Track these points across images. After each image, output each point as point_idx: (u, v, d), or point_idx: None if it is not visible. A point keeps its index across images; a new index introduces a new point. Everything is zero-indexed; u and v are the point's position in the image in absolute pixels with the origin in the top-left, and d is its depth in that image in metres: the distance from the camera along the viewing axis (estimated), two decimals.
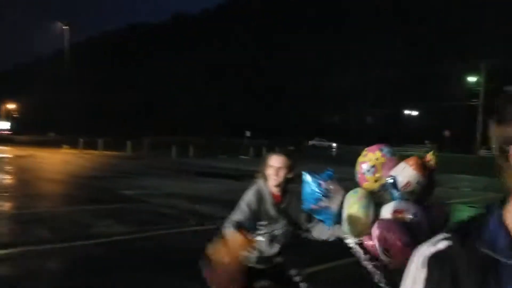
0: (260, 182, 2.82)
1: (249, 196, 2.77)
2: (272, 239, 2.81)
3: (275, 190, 2.81)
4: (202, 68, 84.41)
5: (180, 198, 9.74)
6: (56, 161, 22.36)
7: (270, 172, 2.77)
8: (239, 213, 2.68)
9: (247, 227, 2.57)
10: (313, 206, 2.66)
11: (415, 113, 60.60)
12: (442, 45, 65.87)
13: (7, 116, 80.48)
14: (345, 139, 60.50)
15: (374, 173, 2.56)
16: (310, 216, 2.87)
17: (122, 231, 6.09)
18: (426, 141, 49.40)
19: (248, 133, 42.99)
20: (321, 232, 2.85)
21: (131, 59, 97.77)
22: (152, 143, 39.99)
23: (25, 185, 11.74)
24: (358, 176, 2.65)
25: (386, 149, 2.62)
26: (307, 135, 65.62)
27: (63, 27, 41.31)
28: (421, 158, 2.63)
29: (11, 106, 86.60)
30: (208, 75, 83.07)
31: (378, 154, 2.60)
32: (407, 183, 2.43)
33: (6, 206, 8.23)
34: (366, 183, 2.58)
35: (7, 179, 13.65)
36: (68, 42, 41.01)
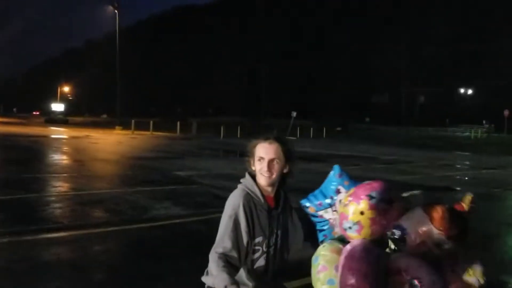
0: (247, 181, 2.11)
1: (233, 204, 2.02)
2: (268, 262, 2.07)
3: (268, 191, 2.10)
4: (249, 49, 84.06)
5: (232, 180, 9.62)
6: (110, 142, 23.05)
7: (259, 166, 2.07)
8: (225, 237, 1.95)
9: (239, 259, 1.94)
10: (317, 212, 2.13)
11: (470, 91, 57.69)
12: (496, 20, 61.92)
13: (62, 98, 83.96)
14: (395, 119, 58.80)
15: (358, 231, 1.86)
16: (311, 232, 2.18)
17: (179, 214, 6.10)
18: (484, 121, 47.04)
19: (294, 114, 42.51)
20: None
21: (179, 41, 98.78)
22: (200, 124, 40.54)
23: (82, 166, 12.10)
24: (340, 229, 1.96)
25: (379, 195, 1.83)
26: (355, 115, 64.28)
27: (114, 10, 42.10)
28: (451, 208, 1.83)
29: (65, 88, 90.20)
30: (254, 55, 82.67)
31: (364, 205, 1.84)
32: (421, 243, 1.76)
33: (65, 187, 8.49)
34: (351, 239, 1.92)
35: (64, 160, 14.17)
36: (117, 25, 41.78)
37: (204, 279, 1.95)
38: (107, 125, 46.20)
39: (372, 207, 1.82)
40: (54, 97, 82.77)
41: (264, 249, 2.05)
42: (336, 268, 1.79)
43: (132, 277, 3.83)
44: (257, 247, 2.03)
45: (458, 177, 12.72)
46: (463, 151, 25.08)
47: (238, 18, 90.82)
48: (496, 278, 4.05)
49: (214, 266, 1.87)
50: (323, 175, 2.21)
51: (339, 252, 1.87)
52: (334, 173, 2.14)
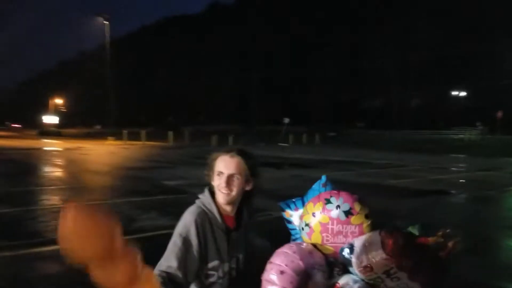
0: (204, 198, 1.93)
1: (185, 222, 1.85)
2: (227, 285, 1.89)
3: (227, 210, 1.91)
4: (238, 56, 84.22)
5: None
6: (102, 153, 22.87)
7: (218, 181, 1.88)
8: (171, 256, 1.78)
9: (181, 281, 1.74)
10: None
11: (463, 93, 57.93)
12: (488, 21, 62.48)
13: (55, 110, 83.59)
14: (387, 124, 59.00)
15: (309, 234, 1.77)
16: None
17: (165, 225, 5.97)
18: (478, 123, 47.21)
19: (286, 120, 42.58)
20: None
21: (170, 51, 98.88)
22: (192, 133, 40.43)
23: (72, 178, 11.97)
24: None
25: (337, 202, 1.73)
26: (348, 120, 64.43)
27: (104, 22, 42.07)
28: (409, 237, 1.63)
29: (58, 101, 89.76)
30: (245, 63, 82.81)
31: (318, 207, 1.77)
32: (367, 267, 1.60)
33: (54, 199, 8.34)
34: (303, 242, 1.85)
35: (55, 171, 14.00)
36: (108, 37, 41.77)
37: None
38: (100, 136, 45.96)
39: (325, 212, 1.74)
40: (46, 109, 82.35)
41: (220, 275, 1.87)
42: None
43: None
44: (211, 272, 1.85)
45: (452, 179, 12.67)
46: (457, 153, 25.10)
47: (227, 26, 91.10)
48: (492, 283, 3.95)
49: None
50: (314, 182, 2.12)
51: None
52: (320, 182, 2.03)
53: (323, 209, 1.74)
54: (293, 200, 2.04)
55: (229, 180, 1.86)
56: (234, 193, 1.86)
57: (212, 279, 1.85)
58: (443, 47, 60.87)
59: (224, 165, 1.88)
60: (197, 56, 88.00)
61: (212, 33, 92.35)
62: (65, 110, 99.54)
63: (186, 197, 8.47)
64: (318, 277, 1.65)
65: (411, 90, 65.54)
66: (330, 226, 1.72)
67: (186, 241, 1.81)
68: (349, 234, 1.71)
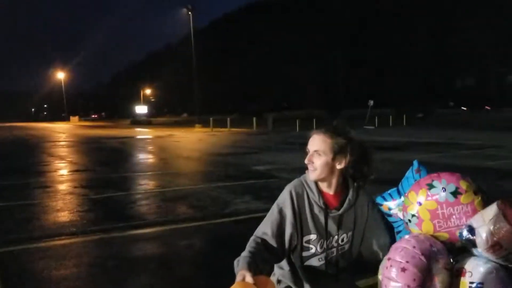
0: (307, 174, 1.92)
1: (284, 193, 1.90)
2: (325, 265, 1.89)
3: (324, 187, 1.88)
4: (321, 39, 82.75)
5: None
6: (191, 140, 23.82)
7: (306, 159, 1.88)
8: (267, 224, 1.86)
9: (275, 249, 1.80)
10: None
11: None
12: None
13: (145, 100, 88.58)
14: (483, 102, 54.83)
15: (419, 225, 1.68)
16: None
17: (259, 208, 6.06)
18: None
19: (371, 102, 41.05)
20: None
21: (252, 38, 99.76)
22: (276, 119, 40.63)
23: (165, 164, 12.61)
24: (404, 224, 1.82)
25: (441, 185, 1.63)
26: (439, 100, 60.83)
27: (188, 13, 43.44)
28: None
29: (148, 91, 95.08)
30: (328, 45, 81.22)
31: (422, 194, 1.67)
32: (495, 245, 1.46)
33: (151, 184, 8.83)
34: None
35: (150, 158, 14.84)
36: (192, 27, 43.08)
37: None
38: (188, 124, 47.94)
39: (431, 197, 1.64)
40: (138, 100, 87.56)
41: (319, 250, 1.88)
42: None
43: (215, 273, 3.83)
44: (308, 245, 1.87)
45: None
46: None
47: (307, 11, 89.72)
48: None
49: (242, 259, 1.71)
50: (404, 165, 2.03)
51: None
52: (412, 169, 1.92)
53: (428, 195, 1.64)
54: (388, 192, 1.97)
55: (312, 157, 1.85)
56: (318, 170, 1.83)
57: (308, 253, 1.87)
58: None
59: (310, 142, 1.88)
60: (280, 42, 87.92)
61: (293, 17, 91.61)
62: (154, 100, 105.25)
63: (276, 182, 8.56)
64: (441, 266, 1.55)
65: (508, 65, 60.16)
66: (440, 211, 1.62)
67: (281, 211, 1.86)
68: (462, 215, 1.59)
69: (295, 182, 1.91)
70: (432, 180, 1.67)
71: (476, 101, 55.78)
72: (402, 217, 1.84)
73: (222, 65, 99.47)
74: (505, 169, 9.57)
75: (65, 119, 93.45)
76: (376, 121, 37.06)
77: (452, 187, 1.62)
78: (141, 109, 78.47)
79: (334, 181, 1.86)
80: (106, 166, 12.02)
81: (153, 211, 6.33)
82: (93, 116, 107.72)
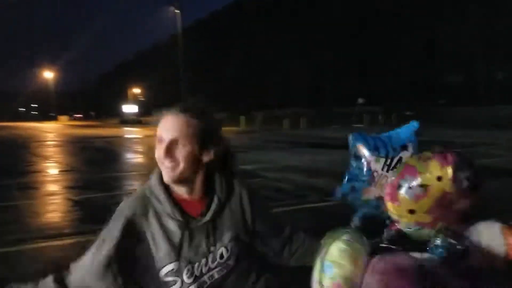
0: (151, 180, 1.43)
1: (113, 217, 1.39)
2: None
3: (181, 192, 1.38)
4: (308, 39, 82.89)
5: (296, 172, 9.52)
6: None
7: (158, 152, 1.35)
8: (87, 267, 1.35)
9: None
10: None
11: None
12: None
13: (134, 100, 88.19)
14: (472, 99, 55.39)
15: (418, 197, 1.31)
16: (287, 230, 1.53)
17: None
18: None
19: (360, 100, 41.11)
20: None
21: (240, 36, 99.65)
22: (264, 117, 40.64)
23: (152, 164, 12.47)
24: (386, 187, 1.42)
25: (469, 171, 1.30)
26: (428, 98, 61.27)
27: (175, 11, 43.27)
28: None
29: (136, 90, 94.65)
30: (316, 44, 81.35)
31: (448, 171, 1.28)
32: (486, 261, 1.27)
33: (137, 185, 8.74)
34: (395, 205, 1.35)
35: (136, 158, 14.72)
36: (180, 26, 42.95)
37: None
38: None
39: (455, 180, 1.28)
40: (126, 99, 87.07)
41: (186, 280, 1.33)
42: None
43: None
44: (170, 279, 1.32)
45: None
46: None
47: (298, 10, 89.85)
48: None
49: None
50: None
51: (358, 260, 1.27)
52: (414, 127, 1.67)
53: (453, 177, 1.27)
54: (374, 136, 1.63)
55: (170, 148, 1.31)
56: (182, 165, 1.31)
57: (176, 287, 1.32)
58: None
59: (164, 127, 1.33)
60: (267, 40, 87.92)
61: (281, 14, 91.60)
62: (143, 99, 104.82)
63: (261, 181, 8.51)
64: None
65: (496, 62, 60.80)
66: (450, 197, 1.29)
67: (115, 239, 1.32)
68: (459, 210, 1.32)
69: (132, 197, 1.40)
70: (461, 161, 1.33)
71: (463, 98, 56.29)
72: (374, 169, 1.55)
73: (211, 64, 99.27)
74: (494, 167, 9.66)
75: (53, 118, 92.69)
76: (365, 119, 37.22)
77: (476, 177, 1.32)
78: (130, 108, 78.02)
79: (198, 180, 1.37)
80: (92, 166, 11.89)
81: None
82: (76, 115, 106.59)
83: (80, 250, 4.18)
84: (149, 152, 16.23)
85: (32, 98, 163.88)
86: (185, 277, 1.33)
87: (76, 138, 27.05)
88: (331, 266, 1.25)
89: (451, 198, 1.29)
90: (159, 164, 1.35)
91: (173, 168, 1.31)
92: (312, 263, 1.33)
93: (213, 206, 1.38)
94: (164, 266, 1.32)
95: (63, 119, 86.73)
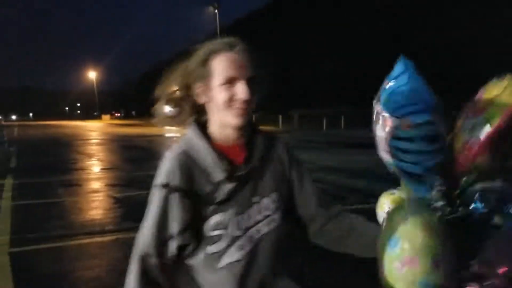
0: (189, 132, 1.31)
1: (163, 170, 1.24)
2: (254, 254, 1.25)
3: (230, 137, 1.28)
4: (347, 37, 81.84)
5: (336, 173, 9.37)
6: None
7: (228, 94, 1.20)
8: (150, 224, 1.22)
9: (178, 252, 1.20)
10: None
11: None
12: None
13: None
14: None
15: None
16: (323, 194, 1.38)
17: None
18: None
19: None
20: (366, 238, 1.25)
21: (278, 34, 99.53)
22: (302, 116, 40.33)
23: None
24: (462, 142, 1.05)
25: None
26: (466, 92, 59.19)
27: (214, 11, 43.67)
28: None
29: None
30: (355, 43, 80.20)
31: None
32: None
33: None
34: (478, 158, 1.02)
35: None
36: (218, 25, 43.31)
37: None
38: None
39: None
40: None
41: (236, 232, 1.23)
42: (435, 260, 0.95)
43: None
44: (217, 232, 1.21)
45: None
46: None
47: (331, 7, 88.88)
48: None
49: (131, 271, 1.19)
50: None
51: (428, 226, 0.99)
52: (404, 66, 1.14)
53: None
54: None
55: (249, 87, 1.21)
56: (253, 106, 1.25)
57: (220, 244, 1.22)
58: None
59: (234, 66, 1.21)
60: (305, 38, 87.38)
61: (315, 13, 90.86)
62: None
63: None
64: None
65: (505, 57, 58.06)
66: None
67: (167, 197, 1.20)
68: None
69: (173, 149, 1.27)
70: None
71: None
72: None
73: None
74: None
75: (97, 117, 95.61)
76: None
77: None
78: (168, 108, 79.38)
79: (248, 122, 1.27)
80: (133, 164, 12.14)
81: None
82: (116, 114, 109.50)
83: (121, 246, 4.26)
84: None
85: (77, 97, 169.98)
86: (232, 230, 1.23)
87: (118, 136, 27.78)
88: (399, 241, 1.00)
89: None
90: (226, 107, 1.21)
91: (247, 109, 1.23)
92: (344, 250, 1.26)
93: (257, 151, 1.30)
94: (210, 218, 1.21)
95: (106, 118, 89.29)
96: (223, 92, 1.20)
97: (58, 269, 3.97)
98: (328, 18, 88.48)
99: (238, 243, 1.23)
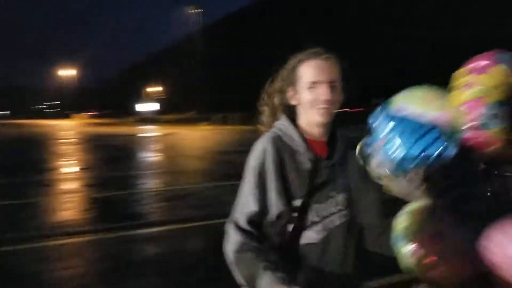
0: (280, 123, 1.45)
1: (258, 152, 1.38)
2: (328, 238, 1.38)
3: (315, 134, 1.42)
4: (331, 38, 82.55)
5: None
6: (196, 138, 23.70)
7: (312, 95, 1.37)
8: (249, 198, 1.34)
9: (272, 229, 1.34)
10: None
11: None
12: None
13: (152, 97, 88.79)
14: None
15: (501, 120, 1.00)
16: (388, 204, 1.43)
17: None
18: None
19: (376, 102, 40.93)
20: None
21: (258, 36, 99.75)
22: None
23: (169, 162, 12.46)
24: (463, 131, 1.05)
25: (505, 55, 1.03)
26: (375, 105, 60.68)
27: (196, 10, 43.42)
28: None
29: (155, 88, 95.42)
30: (339, 45, 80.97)
31: (500, 71, 1.01)
32: None
33: (153, 183, 8.69)
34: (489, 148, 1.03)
35: (153, 156, 14.69)
36: (200, 25, 43.10)
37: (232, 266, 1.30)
38: (194, 121, 47.85)
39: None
40: (143, 97, 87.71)
41: (316, 218, 1.36)
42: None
43: (213, 274, 3.64)
44: (301, 215, 1.35)
45: None
46: None
47: (317, 8, 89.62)
48: None
49: (238, 255, 1.27)
50: None
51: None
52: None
53: (505, 71, 1.01)
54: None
55: (327, 90, 1.36)
56: (335, 107, 1.40)
57: (302, 224, 1.35)
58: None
59: (318, 72, 1.37)
60: (283, 41, 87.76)
61: (300, 14, 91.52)
62: (162, 97, 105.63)
63: None
64: None
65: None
66: None
67: (262, 175, 1.34)
68: None
69: (267, 136, 1.41)
70: (495, 54, 1.05)
71: None
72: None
73: (229, 63, 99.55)
74: None
75: (68, 116, 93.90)
76: None
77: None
78: (146, 107, 78.41)
79: (330, 124, 1.43)
80: (109, 164, 11.88)
81: (152, 211, 6.16)
82: (91, 113, 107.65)
83: (98, 247, 4.11)
84: (167, 150, 16.22)
85: (50, 95, 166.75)
86: (311, 215, 1.36)
87: (94, 136, 27.28)
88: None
89: None
90: (311, 107, 1.39)
91: (330, 110, 1.38)
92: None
93: (339, 150, 1.44)
94: (294, 200, 1.35)
95: (79, 117, 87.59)
96: (308, 94, 1.38)
97: (35, 270, 3.82)
98: (310, 18, 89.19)
99: (315, 228, 1.36)
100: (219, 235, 4.68)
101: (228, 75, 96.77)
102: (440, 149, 1.07)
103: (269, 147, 1.37)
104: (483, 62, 1.06)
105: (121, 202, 6.76)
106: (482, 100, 1.03)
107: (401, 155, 1.12)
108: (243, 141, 20.07)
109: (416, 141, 1.10)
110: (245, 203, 1.35)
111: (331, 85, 1.37)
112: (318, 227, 1.36)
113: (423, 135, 1.10)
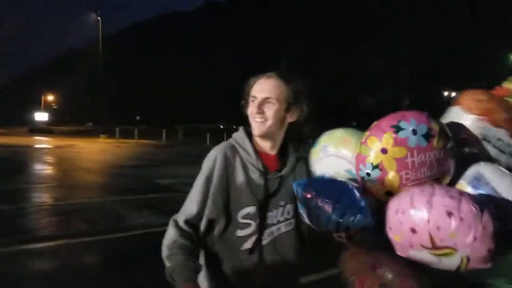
0: (237, 133, 1.61)
1: (210, 158, 1.54)
2: (272, 247, 1.53)
3: (265, 147, 1.57)
4: (233, 56, 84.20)
5: None
6: (94, 151, 22.74)
7: (250, 109, 1.55)
8: (193, 198, 1.51)
9: (206, 230, 1.51)
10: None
11: (454, 94, 58.44)
12: (482, 22, 63.16)
13: (47, 107, 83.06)
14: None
15: (381, 178, 1.35)
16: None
17: (158, 223, 5.98)
18: None
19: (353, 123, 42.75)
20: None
21: (164, 48, 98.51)
22: (186, 131, 40.31)
23: (63, 176, 11.90)
24: (358, 179, 1.45)
25: (411, 126, 1.33)
26: (340, 120, 64.60)
27: (97, 18, 41.86)
28: None
29: (50, 98, 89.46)
30: (239, 63, 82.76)
31: (387, 139, 1.34)
32: None
33: (44, 197, 8.32)
34: (371, 190, 1.41)
35: (46, 169, 13.92)
36: (101, 32, 41.53)
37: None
38: (92, 133, 45.71)
39: (400, 143, 1.31)
40: (38, 106, 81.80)
41: (263, 225, 1.50)
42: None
43: None
44: (246, 221, 1.49)
45: None
46: None
47: (223, 23, 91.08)
48: (476, 279, 4.00)
49: (168, 250, 1.45)
50: None
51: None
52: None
53: (396, 140, 1.31)
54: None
55: (262, 105, 1.50)
56: (270, 122, 1.50)
57: (246, 231, 1.49)
58: (435, 47, 61.36)
59: (259, 88, 1.53)
60: (189, 54, 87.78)
61: (205, 30, 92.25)
62: (56, 107, 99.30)
63: (179, 195, 8.48)
64: None
65: (404, 89, 65.92)
66: (409, 160, 1.31)
67: (209, 180, 1.50)
68: (434, 162, 1.32)
69: (222, 144, 1.56)
70: (398, 121, 1.35)
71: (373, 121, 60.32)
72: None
73: (132, 74, 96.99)
74: None
75: None
76: None
77: (423, 129, 1.32)
78: (41, 116, 73.19)
79: (279, 138, 1.56)
80: None
81: (43, 225, 5.96)
82: None
83: None
84: (59, 163, 15.45)
85: None
86: (259, 222, 1.50)
87: None
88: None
89: (411, 160, 1.37)
90: (251, 120, 1.54)
91: (263, 123, 1.51)
92: None
93: (289, 163, 1.57)
94: (243, 208, 1.49)
95: None
96: (249, 107, 1.54)
97: None
98: (216, 34, 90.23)
99: (262, 234, 1.50)
100: (111, 250, 4.86)
101: (128, 88, 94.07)
102: (357, 218, 1.32)
103: (219, 156, 1.51)
104: (384, 124, 1.38)
105: (10, 216, 6.44)
106: (365, 158, 1.38)
107: (322, 224, 1.37)
108: (143, 155, 19.85)
109: (333, 212, 1.34)
110: (188, 204, 1.52)
111: (267, 101, 1.51)
112: (265, 233, 1.51)
113: (341, 207, 1.34)
